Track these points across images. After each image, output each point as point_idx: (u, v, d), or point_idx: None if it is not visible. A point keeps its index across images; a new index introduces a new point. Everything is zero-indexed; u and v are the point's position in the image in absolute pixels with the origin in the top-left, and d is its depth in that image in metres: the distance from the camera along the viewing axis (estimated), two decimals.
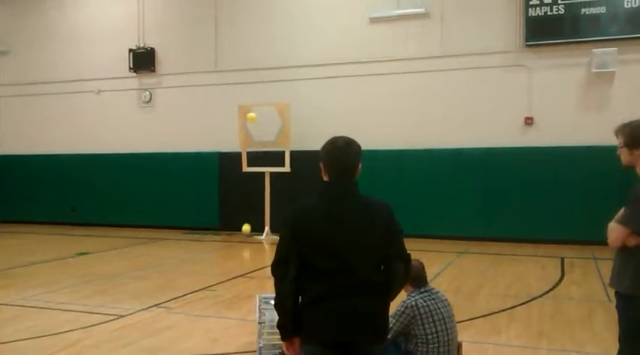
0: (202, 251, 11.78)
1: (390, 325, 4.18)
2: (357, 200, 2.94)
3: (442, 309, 4.49)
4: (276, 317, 4.75)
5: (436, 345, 4.40)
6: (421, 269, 4.52)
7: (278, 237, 3.00)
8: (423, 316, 4.42)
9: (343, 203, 2.91)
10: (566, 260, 9.71)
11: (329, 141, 3.02)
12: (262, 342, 4.68)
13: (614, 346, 5.37)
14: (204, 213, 14.14)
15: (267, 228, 12.73)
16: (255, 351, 5.18)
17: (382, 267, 2.92)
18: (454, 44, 12.38)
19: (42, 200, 15.53)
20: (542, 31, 11.73)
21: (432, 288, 4.58)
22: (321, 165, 3.01)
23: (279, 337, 4.64)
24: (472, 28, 12.30)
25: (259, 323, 4.62)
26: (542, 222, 11.53)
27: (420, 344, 4.42)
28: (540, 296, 7.22)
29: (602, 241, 12.55)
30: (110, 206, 14.94)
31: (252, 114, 12.38)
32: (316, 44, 13.37)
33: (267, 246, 12.03)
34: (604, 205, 11.11)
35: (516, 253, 10.51)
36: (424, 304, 4.43)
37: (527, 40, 11.82)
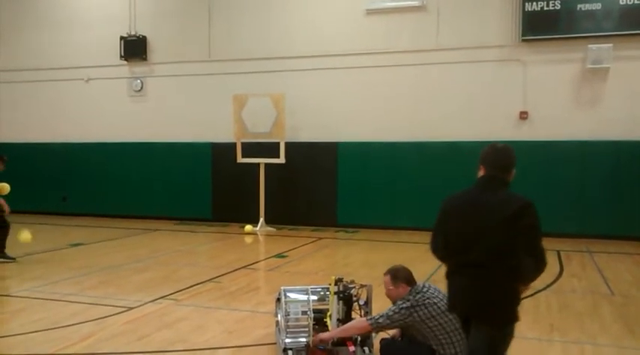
0: (198, 242, 11.69)
1: (385, 315, 4.36)
2: (503, 192, 3.32)
3: (439, 303, 4.44)
4: (299, 310, 4.79)
5: (446, 336, 4.36)
6: (409, 271, 4.61)
7: None
8: (420, 313, 4.36)
9: (489, 193, 3.31)
10: (562, 253, 9.83)
11: (489, 145, 3.50)
12: (287, 337, 4.65)
13: (624, 337, 5.52)
14: (197, 204, 14.02)
15: (261, 220, 12.68)
16: (272, 343, 5.18)
17: (511, 258, 3.17)
18: (450, 37, 12.41)
19: (31, 189, 15.21)
20: (538, 26, 11.82)
21: (425, 284, 4.56)
22: (480, 167, 3.45)
23: (305, 330, 4.69)
24: (468, 22, 12.34)
25: (285, 316, 4.57)
26: None
27: (431, 339, 4.38)
28: (545, 288, 7.32)
29: (594, 235, 12.66)
30: (101, 196, 14.74)
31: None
32: (312, 35, 13.29)
33: (261, 238, 11.99)
34: (596, 199, 11.45)
35: None
36: (421, 303, 4.38)
37: (523, 35, 11.88)
